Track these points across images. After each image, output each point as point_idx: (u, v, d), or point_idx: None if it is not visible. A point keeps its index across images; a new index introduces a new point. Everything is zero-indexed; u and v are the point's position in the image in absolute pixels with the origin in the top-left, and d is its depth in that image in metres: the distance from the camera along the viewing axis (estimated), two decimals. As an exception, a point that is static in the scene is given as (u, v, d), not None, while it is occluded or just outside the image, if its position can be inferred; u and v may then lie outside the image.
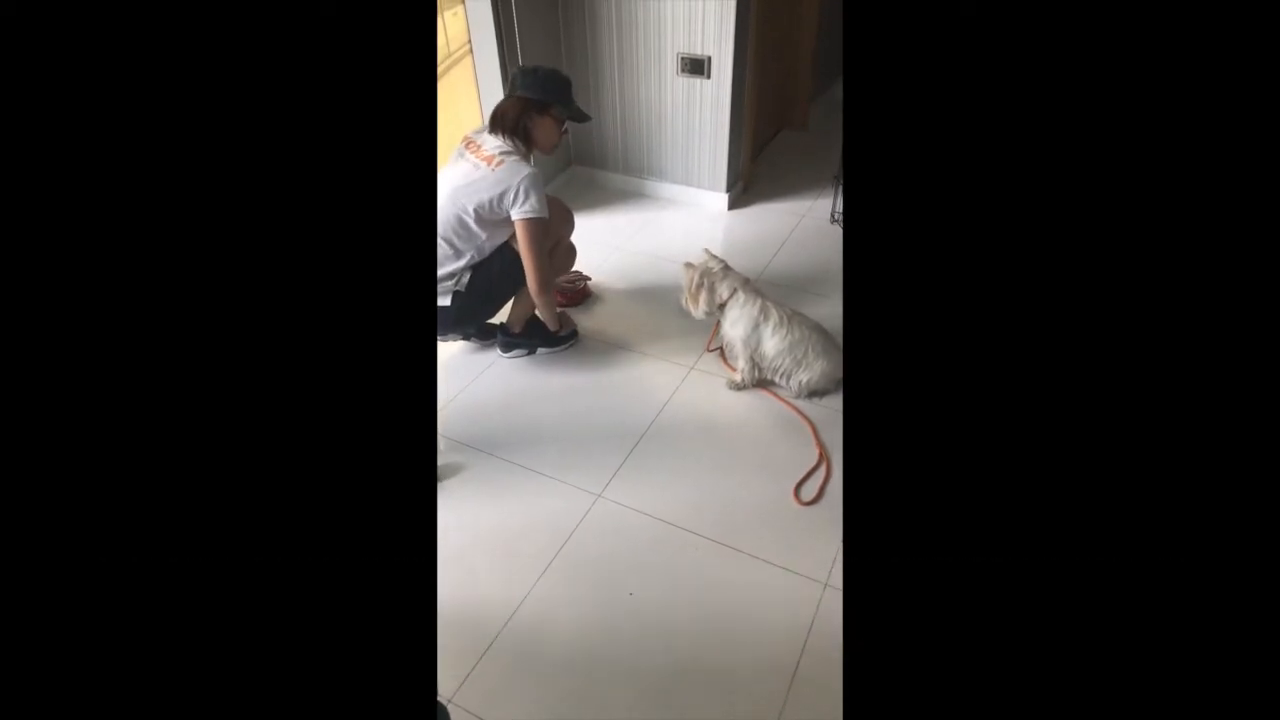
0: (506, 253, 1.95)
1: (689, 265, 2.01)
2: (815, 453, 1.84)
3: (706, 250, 2.04)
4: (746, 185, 3.03)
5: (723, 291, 1.98)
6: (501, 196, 1.82)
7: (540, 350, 2.20)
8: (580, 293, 2.42)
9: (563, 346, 2.21)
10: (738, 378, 2.04)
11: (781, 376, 1.99)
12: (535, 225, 1.84)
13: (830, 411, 1.97)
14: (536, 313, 2.10)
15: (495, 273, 1.95)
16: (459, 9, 2.49)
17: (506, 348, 2.18)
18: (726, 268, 2.01)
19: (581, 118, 1.95)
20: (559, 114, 1.89)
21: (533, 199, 1.82)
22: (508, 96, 1.90)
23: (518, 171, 1.81)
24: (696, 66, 2.61)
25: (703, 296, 1.98)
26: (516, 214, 1.83)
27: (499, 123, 1.87)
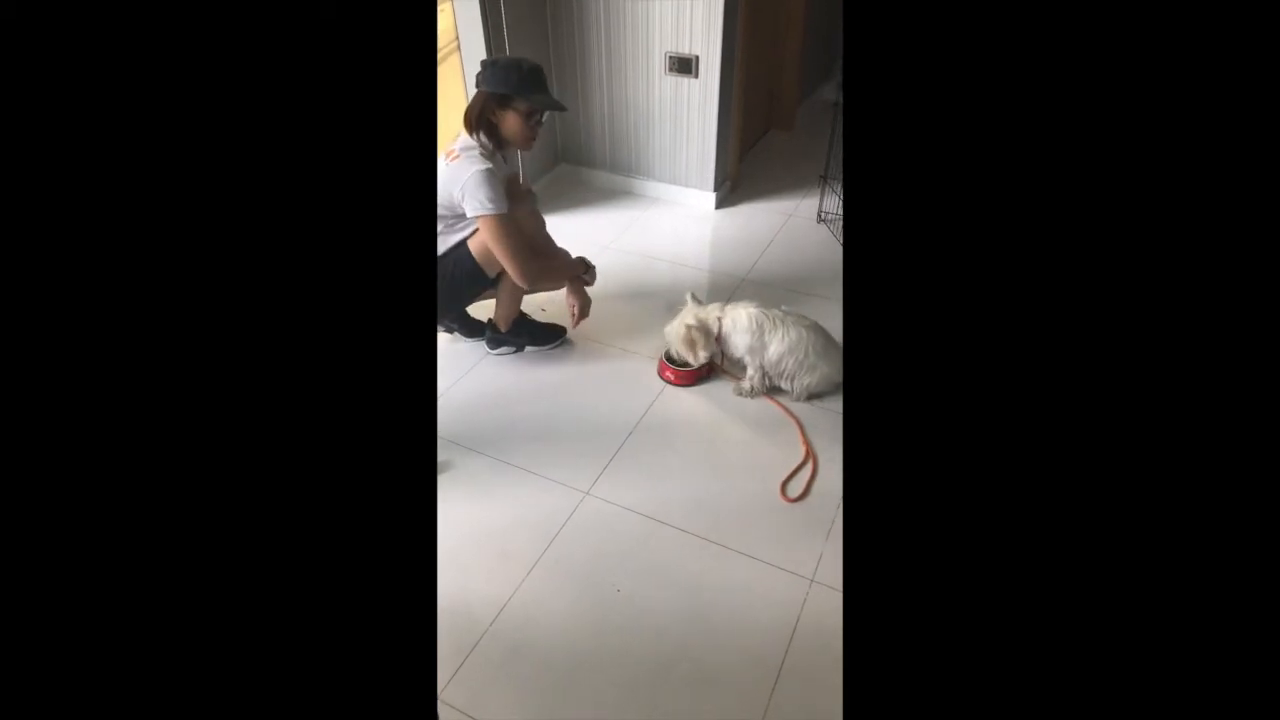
0: (461, 254, 1.90)
1: (686, 326, 1.94)
2: (802, 450, 1.85)
3: (690, 294, 2.01)
4: (734, 185, 3.04)
5: (712, 323, 1.96)
6: (451, 192, 1.79)
7: (528, 348, 2.20)
8: (699, 372, 2.07)
9: (551, 345, 2.21)
10: (745, 384, 2.02)
11: (786, 379, 1.98)
12: (494, 221, 1.78)
13: (817, 410, 1.98)
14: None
15: (448, 273, 1.91)
16: (445, 6, 2.48)
17: (493, 344, 2.18)
18: (705, 305, 2.00)
19: (552, 106, 1.85)
20: (521, 106, 1.81)
21: (483, 194, 1.76)
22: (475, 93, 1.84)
23: (467, 167, 1.77)
24: (684, 65, 2.61)
25: (700, 342, 1.94)
26: (470, 210, 1.79)
27: (466, 121, 1.84)
